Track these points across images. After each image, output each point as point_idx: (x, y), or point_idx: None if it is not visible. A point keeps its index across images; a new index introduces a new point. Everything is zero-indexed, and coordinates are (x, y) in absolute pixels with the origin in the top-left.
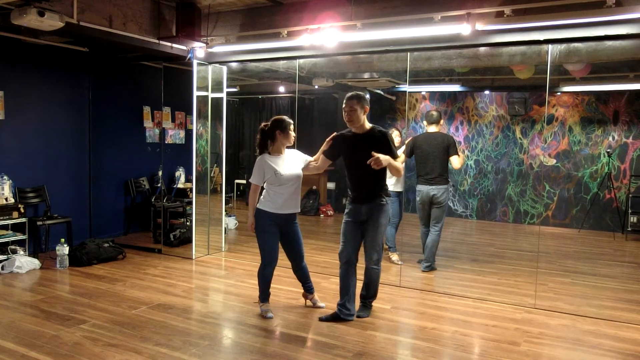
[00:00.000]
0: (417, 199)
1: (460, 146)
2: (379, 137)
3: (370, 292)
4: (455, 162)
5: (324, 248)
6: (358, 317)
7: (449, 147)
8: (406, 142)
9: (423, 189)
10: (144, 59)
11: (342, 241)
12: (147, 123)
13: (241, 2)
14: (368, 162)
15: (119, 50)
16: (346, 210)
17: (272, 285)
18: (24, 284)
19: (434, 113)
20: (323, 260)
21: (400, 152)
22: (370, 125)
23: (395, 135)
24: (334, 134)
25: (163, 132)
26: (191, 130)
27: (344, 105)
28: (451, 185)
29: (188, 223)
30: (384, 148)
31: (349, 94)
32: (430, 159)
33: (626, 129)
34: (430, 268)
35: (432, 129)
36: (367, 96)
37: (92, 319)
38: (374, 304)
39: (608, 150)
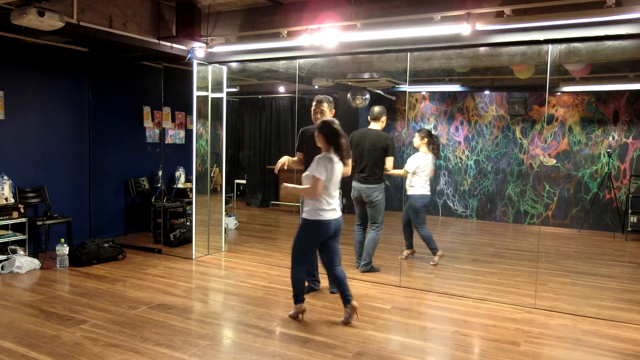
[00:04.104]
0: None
1: (460, 146)
2: None
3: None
4: (389, 164)
5: None
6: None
7: (386, 148)
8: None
9: (355, 186)
10: (144, 59)
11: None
12: (147, 123)
13: (241, 2)
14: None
15: (119, 50)
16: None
17: (271, 285)
18: (24, 284)
19: (376, 109)
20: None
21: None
22: None
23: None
24: (302, 129)
25: (163, 132)
26: (191, 130)
27: (314, 107)
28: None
29: (188, 223)
30: None
31: (320, 97)
32: (364, 156)
33: (626, 129)
34: (369, 269)
35: (373, 125)
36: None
37: (92, 319)
38: (375, 304)
39: (608, 150)
